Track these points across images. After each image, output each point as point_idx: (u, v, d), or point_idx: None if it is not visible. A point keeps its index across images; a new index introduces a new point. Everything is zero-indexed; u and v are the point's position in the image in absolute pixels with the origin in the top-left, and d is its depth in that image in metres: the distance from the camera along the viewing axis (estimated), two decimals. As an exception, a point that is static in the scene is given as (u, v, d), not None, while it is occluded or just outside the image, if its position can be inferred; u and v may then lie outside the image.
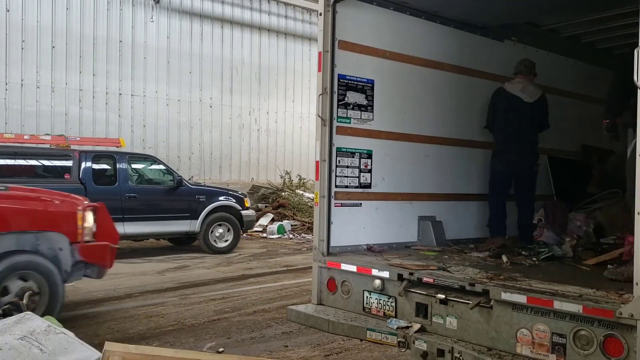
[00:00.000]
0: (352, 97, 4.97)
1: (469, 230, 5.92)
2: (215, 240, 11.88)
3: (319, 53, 4.76)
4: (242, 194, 12.79)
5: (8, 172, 10.31)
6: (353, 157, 4.95)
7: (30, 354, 3.53)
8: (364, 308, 4.25)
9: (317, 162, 4.71)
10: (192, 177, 15.29)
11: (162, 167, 11.97)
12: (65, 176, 10.55)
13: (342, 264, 4.42)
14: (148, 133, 15.15)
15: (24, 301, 4.91)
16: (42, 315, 4.52)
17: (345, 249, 4.82)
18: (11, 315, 3.94)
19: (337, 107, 4.82)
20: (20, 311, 4.45)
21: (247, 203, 12.54)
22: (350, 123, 4.92)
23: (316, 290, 4.60)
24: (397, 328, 3.86)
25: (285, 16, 18.19)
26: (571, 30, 6.56)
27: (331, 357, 5.28)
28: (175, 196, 11.52)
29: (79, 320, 6.46)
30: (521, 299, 3.34)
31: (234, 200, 12.23)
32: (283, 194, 16.77)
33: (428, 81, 5.59)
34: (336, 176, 4.80)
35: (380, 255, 4.83)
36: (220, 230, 11.95)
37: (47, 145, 11.29)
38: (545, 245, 5.10)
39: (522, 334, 3.35)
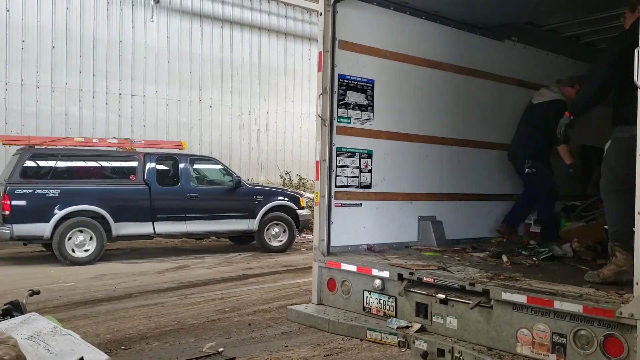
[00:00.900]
0: (352, 97, 4.97)
1: (469, 230, 5.92)
2: (269, 239, 12.12)
3: (319, 53, 4.76)
4: (298, 193, 13.01)
5: (79, 174, 10.83)
6: (353, 157, 4.95)
7: (38, 354, 3.54)
8: (364, 308, 4.25)
9: (317, 162, 4.71)
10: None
11: (222, 167, 12.36)
12: (131, 177, 11.01)
13: (342, 264, 4.42)
14: (148, 133, 15.14)
15: (24, 301, 4.90)
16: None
17: (345, 248, 4.82)
18: (11, 315, 3.93)
19: (337, 107, 4.82)
20: (20, 311, 4.45)
21: (303, 202, 12.76)
22: (350, 123, 4.92)
23: (316, 290, 4.60)
24: (397, 328, 3.85)
25: (286, 16, 18.19)
26: (571, 30, 6.56)
27: (331, 357, 5.28)
28: (234, 196, 11.85)
29: (79, 320, 6.46)
30: (521, 298, 3.34)
31: (290, 200, 12.48)
32: (283, 194, 16.76)
33: (428, 81, 5.59)
34: (336, 176, 4.80)
35: (380, 255, 4.83)
36: (276, 229, 12.21)
37: (114, 148, 11.58)
38: (545, 245, 5.10)
39: (522, 334, 3.35)
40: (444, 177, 5.79)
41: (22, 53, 13.36)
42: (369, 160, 5.10)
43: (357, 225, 4.99)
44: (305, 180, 17.52)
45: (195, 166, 11.97)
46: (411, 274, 3.96)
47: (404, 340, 3.75)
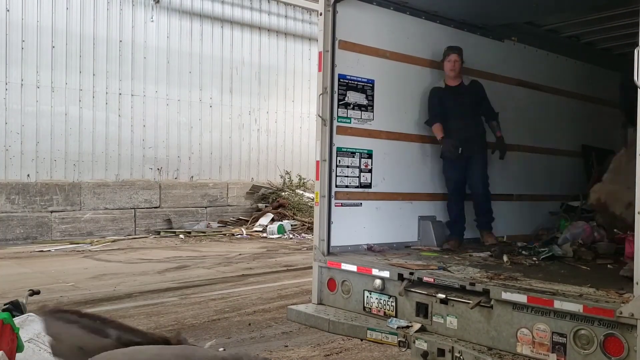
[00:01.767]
0: (353, 97, 4.97)
1: (469, 230, 5.92)
2: None
3: (319, 53, 4.76)
4: None
5: None
6: (353, 156, 4.95)
7: (41, 357, 3.53)
8: (364, 308, 4.26)
9: (317, 162, 4.71)
10: (192, 177, 15.30)
11: None
12: None
13: (342, 264, 4.42)
14: (148, 133, 15.13)
15: (24, 301, 4.90)
16: None
17: (345, 248, 4.83)
18: (11, 315, 3.92)
19: (338, 107, 4.82)
20: (20, 311, 4.44)
21: None
22: (350, 123, 4.92)
23: (316, 290, 4.60)
24: (398, 328, 3.86)
25: (286, 16, 18.17)
26: (571, 30, 6.56)
27: (331, 356, 5.28)
28: None
29: (79, 320, 6.45)
30: (521, 298, 3.34)
31: None
32: (283, 193, 16.77)
33: (428, 81, 5.60)
34: (336, 176, 4.81)
35: (380, 255, 4.84)
36: None
37: None
38: (545, 245, 5.11)
39: (522, 334, 3.35)
40: (444, 177, 5.79)
41: (22, 53, 13.34)
42: (369, 160, 5.10)
43: (357, 225, 4.99)
44: (305, 180, 17.51)
45: None
46: (411, 273, 3.96)
47: (404, 340, 3.75)
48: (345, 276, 4.40)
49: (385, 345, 4.03)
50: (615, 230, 5.28)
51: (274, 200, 16.58)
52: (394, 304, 4.06)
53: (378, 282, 4.13)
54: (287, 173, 17.57)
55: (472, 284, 3.62)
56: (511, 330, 3.40)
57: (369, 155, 5.11)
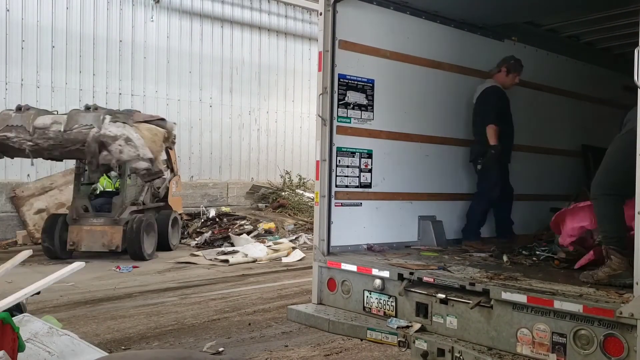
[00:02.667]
0: (353, 96, 4.97)
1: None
2: None
3: (319, 53, 4.76)
4: None
5: None
6: (353, 156, 4.95)
7: (39, 357, 3.54)
8: (364, 308, 4.26)
9: (317, 162, 4.71)
10: (192, 177, 15.29)
11: None
12: None
13: (342, 264, 4.42)
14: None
15: (24, 301, 4.90)
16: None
17: (345, 248, 4.82)
18: (12, 315, 3.93)
19: (338, 107, 4.82)
20: (20, 311, 4.45)
21: None
22: (350, 123, 4.92)
23: (316, 290, 4.60)
24: (398, 327, 3.86)
25: (286, 16, 18.18)
26: (571, 30, 6.56)
27: (331, 356, 5.28)
28: None
29: (79, 319, 6.46)
30: (521, 298, 3.34)
31: None
32: (283, 193, 16.77)
33: (428, 81, 5.59)
34: (336, 176, 4.80)
35: (380, 255, 4.84)
36: None
37: None
38: (545, 245, 5.10)
39: (522, 334, 3.35)
40: (444, 177, 5.79)
41: (22, 53, 13.34)
42: (369, 160, 5.10)
43: (357, 225, 4.99)
44: (305, 180, 17.51)
45: None
46: (411, 273, 3.96)
47: (404, 340, 3.75)
48: (345, 276, 4.40)
49: (385, 345, 4.03)
50: None
51: (274, 200, 16.59)
52: (393, 303, 4.06)
53: (378, 282, 4.13)
54: (287, 173, 17.58)
55: (472, 284, 3.61)
56: (511, 330, 3.40)
57: (369, 155, 5.11)
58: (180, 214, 13.29)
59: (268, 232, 13.40)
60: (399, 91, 5.36)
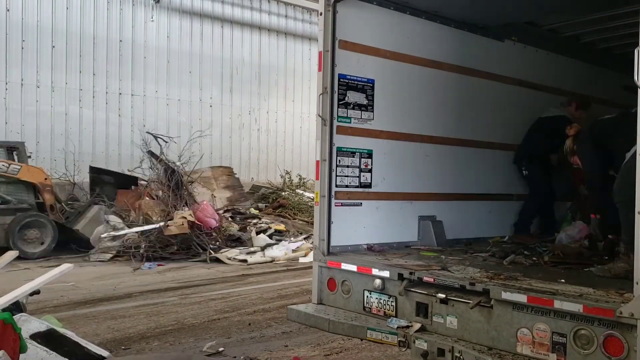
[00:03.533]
0: (353, 96, 4.97)
1: (469, 230, 5.92)
2: None
3: (320, 53, 4.76)
4: None
5: None
6: (353, 156, 4.95)
7: (37, 357, 3.53)
8: (364, 307, 4.25)
9: (317, 162, 4.71)
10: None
11: None
12: None
13: (342, 264, 4.42)
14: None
15: (24, 301, 4.91)
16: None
17: (345, 248, 4.82)
18: (11, 314, 3.93)
19: (338, 107, 4.82)
20: (20, 310, 4.45)
21: None
22: (350, 123, 4.92)
23: (316, 290, 4.60)
24: (398, 327, 3.86)
25: (286, 16, 18.18)
26: (571, 30, 6.56)
27: (331, 356, 5.28)
28: None
29: (79, 319, 6.46)
30: (521, 298, 3.34)
31: None
32: (283, 193, 16.76)
33: (428, 81, 5.58)
34: (336, 176, 4.80)
35: (380, 254, 4.83)
36: None
37: None
38: (546, 245, 5.10)
39: (522, 334, 3.35)
40: (444, 177, 5.79)
41: (22, 53, 13.35)
42: (369, 160, 5.09)
43: (357, 225, 4.99)
44: (305, 180, 17.51)
45: None
46: (411, 273, 3.96)
47: (404, 339, 3.75)
48: (345, 276, 4.40)
49: (385, 345, 4.03)
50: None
51: (274, 200, 16.57)
52: (393, 303, 4.05)
53: (378, 282, 4.13)
54: (287, 173, 17.58)
55: (472, 284, 3.61)
56: (511, 330, 3.40)
57: (369, 155, 5.11)
58: None
59: (278, 232, 13.45)
60: (399, 91, 5.36)
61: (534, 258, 4.71)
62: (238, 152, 17.11)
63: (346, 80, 4.90)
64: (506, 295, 3.41)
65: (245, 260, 10.81)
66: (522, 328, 3.35)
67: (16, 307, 4.48)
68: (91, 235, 11.24)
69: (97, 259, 10.68)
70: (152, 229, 11.07)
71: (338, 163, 4.81)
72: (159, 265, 10.21)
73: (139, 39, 15.12)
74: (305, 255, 11.47)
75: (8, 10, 13.17)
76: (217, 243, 11.66)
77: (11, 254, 4.51)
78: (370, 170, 5.09)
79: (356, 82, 4.98)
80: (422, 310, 3.86)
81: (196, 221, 11.26)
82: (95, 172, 13.13)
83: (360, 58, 5.01)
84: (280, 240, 12.52)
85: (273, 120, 17.91)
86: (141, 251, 10.60)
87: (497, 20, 5.88)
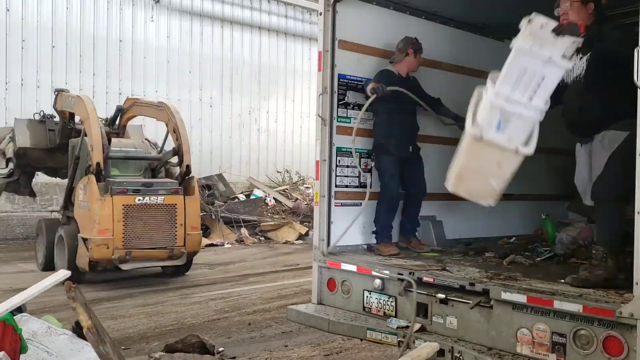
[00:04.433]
0: (353, 96, 4.97)
1: (469, 230, 5.92)
2: None
3: (319, 52, 4.76)
4: None
5: None
6: (353, 156, 4.94)
7: (38, 357, 3.53)
8: (364, 308, 4.26)
9: (317, 162, 4.71)
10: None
11: None
12: None
13: (342, 264, 4.42)
14: (148, 133, 15.10)
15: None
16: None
17: (345, 248, 4.82)
18: (12, 314, 3.92)
19: (337, 107, 4.82)
20: (20, 310, 4.45)
21: None
22: (350, 123, 4.92)
23: (316, 290, 4.61)
24: (397, 327, 3.86)
25: (286, 16, 18.18)
26: (571, 30, 6.55)
27: (331, 356, 5.28)
28: None
29: (79, 319, 6.45)
30: (521, 298, 3.34)
31: None
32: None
33: (428, 81, 5.58)
34: (336, 176, 4.80)
35: (380, 254, 4.83)
36: None
37: None
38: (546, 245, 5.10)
39: (522, 334, 3.35)
40: (444, 177, 5.78)
41: (22, 53, 13.35)
42: (369, 160, 5.10)
43: (357, 225, 4.98)
44: (304, 178, 17.50)
45: None
46: (411, 273, 3.96)
47: (404, 339, 3.75)
48: (345, 276, 4.40)
49: (385, 345, 4.03)
50: None
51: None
52: (393, 303, 4.06)
53: (378, 282, 4.13)
54: (287, 172, 17.60)
55: (472, 284, 3.61)
56: (511, 330, 3.40)
57: (369, 155, 5.11)
58: None
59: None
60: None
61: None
62: (238, 151, 17.11)
63: (346, 80, 4.90)
64: (506, 296, 3.41)
65: None
66: (521, 328, 3.35)
67: (16, 307, 4.48)
68: None
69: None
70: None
71: (338, 163, 4.81)
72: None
73: (139, 39, 15.12)
74: None
75: (8, 10, 13.17)
76: None
77: (63, 273, 4.43)
78: (370, 170, 5.09)
79: (356, 82, 4.98)
80: (421, 310, 3.86)
81: None
82: None
83: (360, 58, 5.01)
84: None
85: (273, 120, 17.92)
86: None
87: (497, 20, 5.88)
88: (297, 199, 15.96)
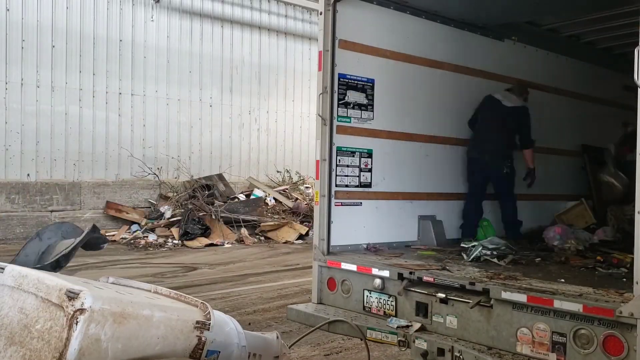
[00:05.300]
0: (353, 96, 4.97)
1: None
2: None
3: (319, 52, 4.76)
4: None
5: None
6: (353, 156, 4.95)
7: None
8: (364, 307, 4.26)
9: (317, 162, 4.71)
10: (192, 176, 15.28)
11: None
12: None
13: (342, 263, 4.42)
14: (148, 132, 15.12)
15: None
16: None
17: (345, 248, 4.83)
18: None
19: (338, 107, 4.82)
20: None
21: None
22: (350, 122, 4.92)
23: (316, 290, 4.60)
24: (397, 327, 3.86)
25: (286, 15, 18.17)
26: (571, 30, 6.57)
27: (331, 356, 5.28)
28: None
29: (79, 319, 6.45)
30: (521, 298, 3.34)
31: None
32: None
33: (428, 80, 5.59)
34: (336, 175, 4.81)
35: (380, 254, 4.84)
36: None
37: None
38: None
39: (522, 333, 3.35)
40: (444, 177, 5.80)
41: (22, 52, 13.33)
42: (369, 160, 5.10)
43: (357, 225, 4.99)
44: (304, 178, 17.49)
45: None
46: (411, 273, 3.96)
47: (404, 339, 3.75)
48: (345, 275, 4.40)
49: (385, 344, 4.03)
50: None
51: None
52: (393, 303, 4.06)
53: (378, 281, 4.13)
54: (287, 171, 17.60)
55: (472, 284, 3.61)
56: (511, 330, 3.40)
57: (369, 154, 5.11)
58: None
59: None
60: (399, 91, 5.37)
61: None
62: (238, 151, 17.09)
63: (346, 80, 4.90)
64: (506, 295, 3.41)
65: None
66: (522, 328, 3.35)
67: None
68: None
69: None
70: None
71: (338, 163, 4.81)
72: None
73: (139, 39, 15.11)
74: None
75: (8, 10, 13.16)
76: None
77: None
78: (370, 170, 5.09)
79: (356, 82, 4.98)
80: (421, 309, 3.87)
81: None
82: None
83: (360, 58, 5.01)
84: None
85: (273, 120, 17.90)
86: None
87: (497, 20, 5.89)
88: (297, 198, 15.99)
